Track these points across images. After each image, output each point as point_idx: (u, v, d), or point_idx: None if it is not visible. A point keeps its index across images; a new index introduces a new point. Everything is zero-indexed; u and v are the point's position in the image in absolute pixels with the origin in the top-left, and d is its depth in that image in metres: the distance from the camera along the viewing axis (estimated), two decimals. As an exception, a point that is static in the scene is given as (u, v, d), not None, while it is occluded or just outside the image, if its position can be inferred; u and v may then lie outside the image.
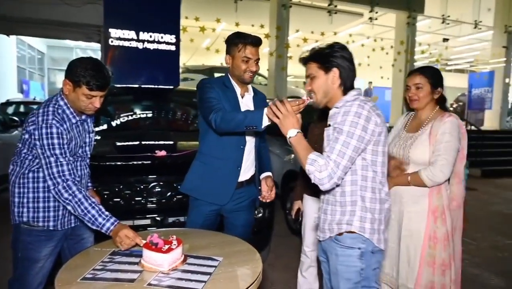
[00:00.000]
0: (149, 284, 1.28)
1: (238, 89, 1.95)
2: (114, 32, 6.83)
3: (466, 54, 14.25)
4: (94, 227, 1.59)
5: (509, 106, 11.58)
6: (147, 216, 2.30)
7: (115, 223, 1.56)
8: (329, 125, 1.49)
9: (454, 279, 1.86)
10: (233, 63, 1.90)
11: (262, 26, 8.23)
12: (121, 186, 2.32)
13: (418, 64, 11.36)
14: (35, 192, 1.69)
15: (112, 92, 4.40)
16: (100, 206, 1.60)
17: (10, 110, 8.56)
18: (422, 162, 1.83)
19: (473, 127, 9.30)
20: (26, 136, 1.65)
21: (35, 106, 9.47)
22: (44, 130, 1.58)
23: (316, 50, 1.49)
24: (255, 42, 1.87)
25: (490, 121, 11.13)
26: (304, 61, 1.51)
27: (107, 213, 1.58)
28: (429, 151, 1.81)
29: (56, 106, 1.65)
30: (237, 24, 8.04)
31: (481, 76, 11.41)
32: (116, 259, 1.47)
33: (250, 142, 1.98)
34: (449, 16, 9.60)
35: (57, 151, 1.59)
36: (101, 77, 1.61)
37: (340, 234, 1.45)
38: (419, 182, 1.80)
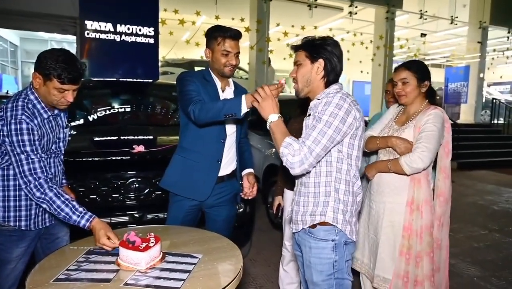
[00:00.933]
0: (126, 284, 1.24)
1: (218, 83, 1.92)
2: (90, 24, 6.66)
3: (443, 49, 14.56)
4: (70, 222, 1.54)
5: (483, 100, 11.91)
6: (126, 213, 2.25)
7: (90, 219, 1.51)
8: (309, 115, 1.50)
9: (434, 273, 1.89)
10: (212, 57, 1.87)
11: (242, 20, 8.14)
12: (97, 183, 2.25)
13: (397, 58, 11.55)
14: (5, 191, 1.62)
15: (88, 85, 4.28)
16: (74, 203, 1.54)
17: (-19, 104, 8.20)
18: None
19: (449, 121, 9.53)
20: None
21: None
22: (13, 126, 1.50)
23: (308, 40, 1.52)
24: (235, 35, 1.85)
25: (466, 114, 11.44)
26: (295, 48, 1.54)
27: (81, 209, 1.53)
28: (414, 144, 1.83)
29: (26, 101, 1.56)
30: (217, 17, 7.92)
31: (457, 70, 11.70)
32: (91, 258, 1.42)
33: (231, 136, 1.97)
34: (426, 12, 9.76)
35: (28, 148, 1.52)
36: (73, 69, 1.52)
37: (314, 226, 1.47)
38: (399, 168, 1.82)
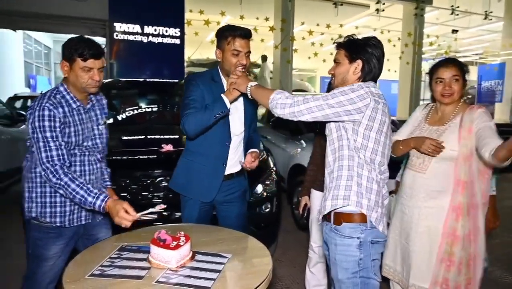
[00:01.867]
0: (157, 281, 1.26)
1: (226, 83, 1.90)
2: (119, 26, 6.85)
3: (476, 46, 13.99)
4: (87, 207, 1.57)
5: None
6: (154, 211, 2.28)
7: (105, 199, 1.54)
8: None
9: (473, 278, 1.80)
10: (223, 57, 1.86)
11: (267, 19, 8.12)
12: (127, 181, 2.30)
13: (426, 56, 11.19)
14: (42, 187, 1.67)
15: (117, 86, 4.39)
16: (89, 186, 1.57)
17: (18, 104, 8.60)
18: (447, 157, 1.74)
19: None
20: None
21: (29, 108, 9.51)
22: (36, 113, 1.56)
23: (350, 39, 1.54)
24: (245, 34, 1.82)
25: (500, 114, 10.92)
26: (337, 45, 1.56)
27: (96, 191, 1.56)
28: (458, 146, 1.73)
29: (54, 92, 1.64)
30: (241, 17, 7.94)
31: (491, 68, 11.19)
32: (123, 255, 1.45)
33: (236, 138, 1.96)
34: (458, 7, 9.40)
35: (48, 134, 1.56)
36: (92, 45, 1.59)
37: (340, 223, 1.46)
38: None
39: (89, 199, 1.53)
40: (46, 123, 1.55)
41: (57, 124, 1.58)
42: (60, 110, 1.60)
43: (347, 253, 1.45)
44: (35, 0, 6.39)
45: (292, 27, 8.46)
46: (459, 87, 1.79)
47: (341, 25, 9.34)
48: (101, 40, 7.37)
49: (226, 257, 1.44)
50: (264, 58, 9.26)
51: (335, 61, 1.56)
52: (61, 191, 1.57)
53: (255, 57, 9.36)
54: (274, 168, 2.81)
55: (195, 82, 1.88)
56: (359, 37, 1.54)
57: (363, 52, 1.47)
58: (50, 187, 1.66)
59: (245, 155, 1.99)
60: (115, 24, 6.81)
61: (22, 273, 2.71)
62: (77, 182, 1.55)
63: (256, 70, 11.01)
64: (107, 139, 1.87)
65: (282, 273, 2.95)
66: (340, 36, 8.73)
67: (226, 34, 1.82)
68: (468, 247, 1.76)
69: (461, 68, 1.80)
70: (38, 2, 6.43)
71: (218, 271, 1.33)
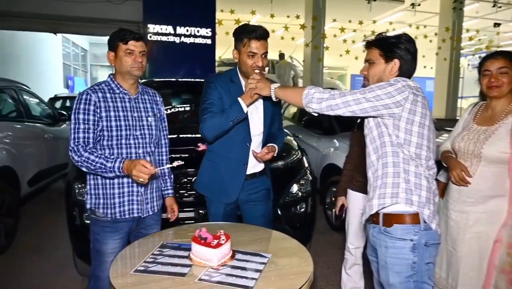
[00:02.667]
0: (200, 279, 1.27)
1: (244, 84, 1.90)
2: (152, 28, 7.02)
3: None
4: (110, 174, 1.60)
5: None
6: (191, 209, 2.32)
7: (123, 160, 1.58)
8: None
9: None
10: (239, 58, 1.84)
11: (297, 17, 8.07)
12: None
13: (465, 51, 10.69)
14: (95, 179, 1.73)
15: (151, 86, 4.49)
16: (106, 155, 1.62)
17: (58, 104, 9.02)
18: (497, 160, 1.65)
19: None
20: None
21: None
22: (77, 97, 1.68)
23: (383, 37, 1.48)
24: (260, 36, 1.78)
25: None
26: (368, 44, 1.50)
27: (113, 157, 1.60)
28: (510, 148, 1.63)
29: (101, 82, 1.76)
30: (272, 16, 7.94)
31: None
32: (165, 252, 1.48)
33: (257, 138, 1.94)
34: (500, -1, 8.93)
35: (80, 116, 1.64)
36: (131, 31, 1.71)
37: (390, 225, 1.39)
38: None
39: (108, 164, 1.57)
40: (81, 106, 1.65)
41: (91, 108, 1.65)
42: (100, 94, 1.69)
43: (400, 256, 1.38)
44: (75, 5, 6.67)
45: (324, 24, 8.36)
46: (509, 79, 1.68)
47: (374, 21, 9.10)
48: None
49: (266, 257, 1.44)
50: (281, 56, 9.09)
51: (368, 61, 1.49)
52: (84, 168, 1.62)
53: (286, 56, 9.30)
54: (309, 168, 2.77)
55: (213, 84, 1.88)
56: (390, 34, 1.48)
57: (398, 50, 1.42)
58: (102, 179, 1.72)
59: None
60: (148, 25, 6.98)
61: (67, 266, 2.85)
62: (96, 154, 1.61)
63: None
64: (165, 140, 1.93)
65: (316, 274, 2.91)
66: (373, 33, 8.55)
67: (242, 36, 1.80)
68: None
69: (511, 60, 1.69)
70: (76, 6, 6.71)
71: (260, 270, 1.33)
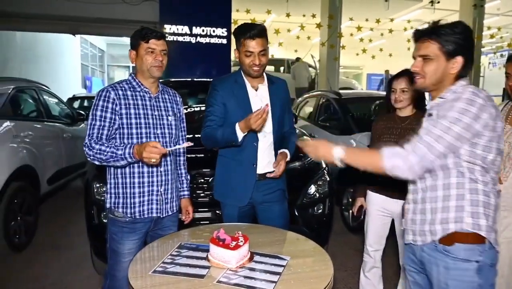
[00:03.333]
0: (219, 281, 1.26)
1: (248, 84, 1.89)
2: (169, 28, 7.07)
3: (542, 37, 12.82)
4: (122, 162, 1.59)
5: None
6: (208, 209, 2.31)
7: (132, 145, 1.57)
8: (430, 115, 1.29)
9: None
10: (239, 58, 1.85)
11: (313, 16, 8.00)
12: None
13: (486, 50, 10.40)
14: (115, 178, 1.74)
15: (168, 86, 4.52)
16: (116, 144, 1.62)
17: (76, 104, 9.20)
18: None
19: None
20: None
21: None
22: (97, 94, 1.69)
23: (440, 27, 1.24)
24: (254, 34, 1.76)
25: None
26: (421, 35, 1.26)
27: (122, 145, 1.59)
28: None
29: (123, 80, 1.78)
30: (287, 15, 7.89)
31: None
32: (183, 253, 1.47)
33: (266, 138, 1.91)
34: (523, -5, 8.67)
35: (98, 112, 1.65)
36: (153, 30, 1.72)
37: (450, 243, 1.24)
38: None
39: (119, 152, 1.57)
40: (100, 102, 1.66)
41: (110, 105, 1.66)
42: (120, 92, 1.69)
43: (464, 279, 1.24)
44: (93, 6, 6.78)
45: (340, 23, 8.26)
46: None
47: (391, 20, 8.95)
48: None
49: (285, 259, 1.41)
50: (297, 59, 9.08)
51: (423, 56, 1.26)
52: (96, 161, 1.62)
53: (301, 55, 9.26)
54: (327, 169, 2.73)
55: (216, 89, 1.90)
56: (443, 23, 1.27)
57: (462, 43, 1.21)
58: (122, 178, 1.72)
59: (276, 154, 1.94)
60: (165, 26, 7.04)
61: (84, 263, 2.88)
62: (106, 144, 1.61)
63: (269, 67, 10.88)
64: (183, 141, 1.91)
65: (334, 277, 2.87)
66: (390, 31, 8.33)
67: (239, 36, 1.80)
68: None
69: None
70: (95, 8, 6.83)
71: (279, 273, 1.30)
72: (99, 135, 1.65)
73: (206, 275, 1.30)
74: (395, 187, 1.99)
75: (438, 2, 8.29)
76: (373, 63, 12.80)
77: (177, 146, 1.78)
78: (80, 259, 3.04)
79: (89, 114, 1.69)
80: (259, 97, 1.91)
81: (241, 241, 1.40)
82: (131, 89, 1.73)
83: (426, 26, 1.29)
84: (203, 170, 2.38)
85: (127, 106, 1.69)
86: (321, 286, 1.22)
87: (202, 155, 2.51)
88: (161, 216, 1.79)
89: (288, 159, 1.89)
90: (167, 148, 1.57)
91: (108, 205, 1.76)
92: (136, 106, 1.71)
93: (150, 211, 1.75)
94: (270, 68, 11.19)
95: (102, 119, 1.65)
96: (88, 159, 1.65)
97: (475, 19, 8.66)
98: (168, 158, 1.79)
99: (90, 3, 6.72)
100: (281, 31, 7.96)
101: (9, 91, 3.56)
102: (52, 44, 11.50)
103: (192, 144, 1.54)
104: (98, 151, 1.60)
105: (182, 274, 1.30)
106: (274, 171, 1.85)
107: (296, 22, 8.30)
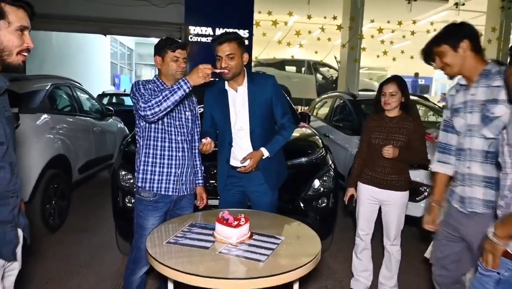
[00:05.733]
0: (220, 252, 1.48)
1: (228, 87, 2.13)
2: (193, 29, 7.37)
3: None
4: (180, 94, 1.79)
5: None
6: (218, 197, 2.54)
7: (185, 78, 1.81)
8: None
9: None
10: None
11: (335, 18, 8.10)
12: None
13: (512, 53, 10.11)
14: (145, 156, 2.01)
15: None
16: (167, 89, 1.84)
17: (105, 101, 9.70)
18: None
19: None
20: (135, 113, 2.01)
21: (125, 98, 10.60)
22: (133, 87, 1.95)
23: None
24: (220, 42, 2.02)
25: None
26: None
27: (176, 83, 1.81)
28: None
29: (147, 79, 2.05)
30: (309, 17, 8.03)
31: None
32: (193, 230, 1.71)
33: (240, 138, 2.13)
34: (555, -3, 8.38)
35: (143, 92, 1.91)
36: (176, 40, 2.00)
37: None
38: None
39: (175, 87, 1.78)
40: (141, 87, 1.94)
41: (148, 92, 1.93)
42: (150, 85, 1.98)
43: (485, 285, 1.24)
44: (123, 8, 7.18)
45: (361, 25, 8.31)
46: None
47: (414, 22, 8.90)
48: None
49: (280, 238, 1.62)
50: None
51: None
52: (157, 108, 1.78)
53: (322, 56, 9.37)
54: (333, 165, 2.91)
55: (205, 97, 2.23)
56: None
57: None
58: (152, 158, 1.99)
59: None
60: (190, 27, 7.35)
61: (110, 245, 3.19)
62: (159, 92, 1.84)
63: (324, 69, 10.98)
64: (198, 135, 2.16)
65: (337, 268, 3.04)
66: (412, 33, 8.29)
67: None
68: None
69: None
70: (125, 10, 7.22)
71: (272, 249, 1.51)
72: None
73: (210, 247, 1.53)
74: (382, 179, 2.34)
75: (463, 4, 8.18)
76: (398, 65, 12.69)
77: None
78: (106, 241, 3.35)
79: (134, 96, 1.92)
80: (240, 98, 2.12)
81: (242, 221, 1.62)
82: (156, 86, 2.00)
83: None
84: (214, 162, 2.61)
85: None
86: (307, 260, 1.42)
87: (216, 149, 2.75)
88: (178, 194, 2.05)
89: (264, 157, 2.08)
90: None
91: (139, 184, 2.01)
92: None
93: (167, 189, 2.01)
94: (292, 69, 11.36)
95: (147, 91, 1.92)
96: (151, 115, 1.82)
97: (502, 22, 8.50)
98: (186, 147, 2.07)
99: (120, 5, 7.12)
100: (302, 32, 8.11)
101: (47, 88, 3.93)
102: (84, 44, 12.12)
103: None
104: (158, 99, 1.78)
105: (190, 246, 1.53)
106: (242, 166, 2.08)
107: (318, 23, 8.41)
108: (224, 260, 1.44)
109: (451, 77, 1.71)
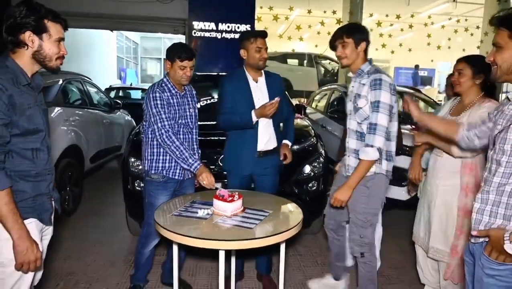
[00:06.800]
0: (216, 222, 1.76)
1: (250, 77, 2.40)
2: (197, 24, 7.62)
3: None
4: (185, 166, 2.16)
5: None
6: (218, 180, 2.81)
7: (201, 163, 2.14)
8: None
9: None
10: (248, 55, 2.37)
11: (334, 12, 8.27)
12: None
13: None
14: (151, 148, 2.29)
15: (194, 79, 5.02)
16: (191, 152, 2.18)
17: (112, 94, 10.00)
18: None
19: None
20: (144, 109, 2.27)
21: (131, 91, 10.87)
22: (151, 95, 2.22)
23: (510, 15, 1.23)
24: (261, 35, 2.36)
25: None
26: (495, 23, 1.27)
27: (195, 157, 2.17)
28: None
29: (161, 82, 2.30)
30: (309, 11, 8.21)
31: None
32: (194, 206, 1.99)
33: (263, 121, 2.38)
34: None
35: (160, 109, 2.19)
36: (188, 50, 2.22)
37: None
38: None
39: (190, 160, 2.14)
40: (158, 102, 2.20)
41: (164, 103, 2.21)
42: (165, 94, 2.24)
43: (498, 277, 1.23)
44: (128, 5, 7.44)
45: (361, 19, 8.48)
46: (465, 79, 2.06)
47: (412, 15, 9.04)
48: (180, 37, 8.28)
49: (268, 212, 1.90)
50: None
51: (495, 45, 1.28)
52: (170, 150, 2.16)
53: (322, 49, 9.55)
54: (323, 152, 3.17)
55: (225, 84, 2.44)
56: None
57: None
58: (157, 148, 2.27)
59: (279, 137, 2.49)
60: (193, 22, 7.59)
61: (121, 227, 3.50)
62: (184, 146, 2.17)
63: (325, 62, 11.16)
64: (196, 124, 2.43)
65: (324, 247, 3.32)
66: (410, 26, 8.43)
67: (249, 35, 2.38)
68: None
69: (469, 63, 2.04)
70: (131, 6, 7.48)
71: (260, 219, 1.79)
72: (171, 126, 2.19)
73: (208, 218, 1.81)
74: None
75: (461, -3, 8.31)
76: (400, 57, 12.82)
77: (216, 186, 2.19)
78: (117, 224, 3.67)
79: (150, 109, 2.19)
80: (259, 87, 2.42)
81: (236, 197, 1.90)
82: (169, 90, 2.26)
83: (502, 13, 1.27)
84: (217, 149, 2.89)
85: (170, 104, 2.24)
86: (289, 227, 1.70)
87: (217, 138, 3.03)
88: (183, 178, 2.35)
89: (289, 146, 2.49)
90: (215, 185, 2.15)
91: (147, 168, 2.30)
92: (173, 104, 2.26)
93: (174, 173, 2.31)
94: (294, 62, 11.56)
95: (165, 114, 2.19)
96: (163, 145, 2.19)
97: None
98: (189, 138, 2.35)
99: (126, 2, 7.38)
100: (302, 26, 8.30)
101: (60, 83, 4.22)
102: (92, 38, 12.38)
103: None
104: (177, 147, 2.15)
105: (191, 217, 1.82)
106: (283, 160, 2.50)
107: (318, 17, 8.58)
108: (219, 227, 1.72)
109: (343, 66, 2.10)
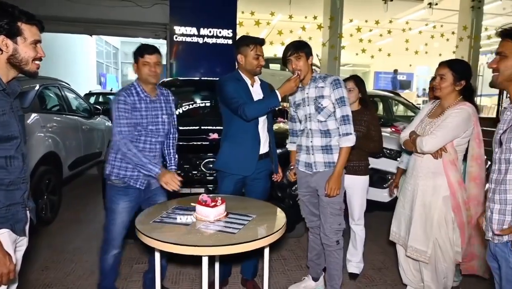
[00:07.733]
0: (199, 228, 1.74)
1: (248, 81, 2.42)
2: (178, 29, 7.57)
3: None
4: (146, 172, 2.09)
5: None
6: (202, 185, 2.79)
7: (162, 168, 2.08)
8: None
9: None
10: (246, 61, 2.37)
11: (315, 17, 8.40)
12: (181, 161, 2.82)
13: (484, 50, 10.61)
14: (115, 153, 2.20)
15: (175, 84, 5.00)
16: (149, 158, 2.11)
17: (92, 100, 9.80)
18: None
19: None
20: None
21: (112, 97, 10.68)
22: (116, 98, 2.16)
23: None
24: (259, 42, 2.37)
25: None
26: (501, 35, 1.39)
27: (154, 162, 2.10)
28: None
29: (129, 85, 2.23)
30: (290, 17, 8.30)
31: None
32: (177, 212, 1.95)
33: (262, 121, 2.43)
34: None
35: (121, 113, 2.11)
36: (147, 46, 2.17)
37: None
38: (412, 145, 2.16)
39: (150, 166, 2.08)
40: (121, 106, 2.13)
41: (129, 108, 2.13)
42: (131, 98, 2.16)
43: None
44: (109, 9, 7.33)
45: (341, 24, 8.63)
46: (446, 84, 2.12)
47: (390, 21, 9.27)
48: (162, 42, 8.20)
49: (251, 216, 1.88)
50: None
51: (499, 54, 1.39)
52: (127, 158, 2.09)
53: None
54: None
55: (228, 83, 2.40)
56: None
57: None
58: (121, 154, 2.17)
59: (271, 141, 2.50)
60: (175, 27, 7.54)
61: (99, 235, 3.41)
62: (142, 154, 2.11)
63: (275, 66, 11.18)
64: (174, 129, 2.39)
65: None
66: (389, 32, 8.62)
67: (247, 42, 2.36)
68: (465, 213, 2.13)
69: (452, 69, 2.09)
70: (111, 11, 7.37)
71: (244, 224, 1.78)
72: (129, 133, 2.12)
73: (191, 224, 1.78)
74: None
75: (436, 4, 8.56)
76: (380, 62, 13.11)
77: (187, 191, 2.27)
78: (96, 231, 3.58)
79: (113, 111, 2.13)
80: (256, 91, 2.44)
81: (219, 202, 1.88)
82: (137, 94, 2.19)
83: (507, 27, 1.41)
84: (200, 154, 2.87)
85: (136, 109, 2.16)
86: (272, 231, 1.69)
87: (199, 143, 3.01)
88: (149, 188, 2.27)
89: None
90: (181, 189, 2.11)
91: (107, 172, 2.22)
92: (140, 109, 2.17)
93: (136, 182, 2.22)
94: (276, 67, 11.62)
95: (126, 119, 2.12)
96: (121, 149, 2.10)
97: (473, 20, 8.92)
98: (156, 146, 2.27)
99: (106, 6, 7.26)
100: (284, 32, 8.38)
101: (37, 88, 4.10)
102: (70, 43, 12.15)
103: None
104: (135, 154, 2.09)
105: (174, 223, 1.79)
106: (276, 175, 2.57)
107: (300, 22, 8.68)
108: (202, 233, 1.70)
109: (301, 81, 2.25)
